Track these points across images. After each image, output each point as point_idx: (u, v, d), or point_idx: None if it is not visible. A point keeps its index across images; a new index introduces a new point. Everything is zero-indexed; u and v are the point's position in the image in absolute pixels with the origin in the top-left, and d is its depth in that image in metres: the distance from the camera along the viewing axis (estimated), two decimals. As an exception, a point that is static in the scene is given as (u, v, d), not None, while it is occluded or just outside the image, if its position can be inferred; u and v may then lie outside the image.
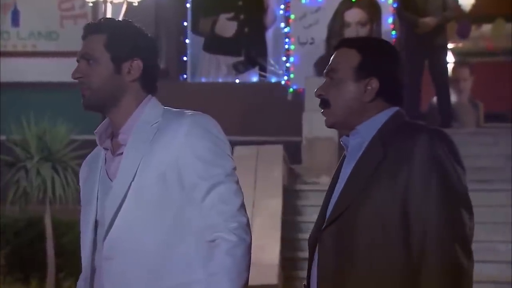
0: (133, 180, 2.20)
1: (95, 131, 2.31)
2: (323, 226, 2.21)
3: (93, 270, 2.26)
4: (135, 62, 2.26)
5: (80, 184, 2.37)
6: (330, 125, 2.27)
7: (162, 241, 2.19)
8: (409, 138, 2.15)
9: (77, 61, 2.29)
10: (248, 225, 2.23)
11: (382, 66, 2.24)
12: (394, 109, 2.25)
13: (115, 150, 2.28)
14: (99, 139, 2.30)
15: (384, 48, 2.31)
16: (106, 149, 2.31)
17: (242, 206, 2.23)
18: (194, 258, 2.19)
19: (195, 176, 2.18)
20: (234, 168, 2.25)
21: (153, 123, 2.24)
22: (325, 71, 2.29)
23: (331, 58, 2.28)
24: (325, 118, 2.27)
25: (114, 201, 2.21)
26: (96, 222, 2.26)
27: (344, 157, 2.29)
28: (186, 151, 2.19)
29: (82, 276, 2.29)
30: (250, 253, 2.23)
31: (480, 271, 5.83)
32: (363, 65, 2.23)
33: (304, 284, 2.29)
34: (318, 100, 2.29)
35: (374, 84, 2.22)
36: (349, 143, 2.26)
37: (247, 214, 2.25)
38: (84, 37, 2.30)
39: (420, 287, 2.08)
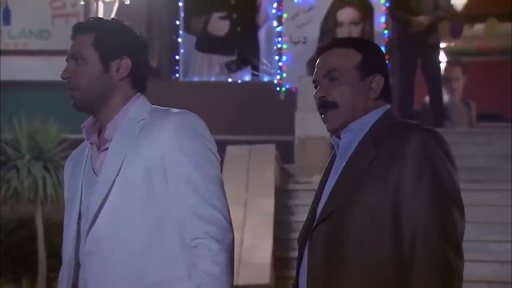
0: (117, 175, 2.19)
1: (82, 125, 2.30)
2: (314, 225, 2.20)
3: (77, 265, 2.24)
4: (123, 60, 2.25)
5: (65, 179, 2.36)
6: (335, 128, 2.23)
7: (146, 237, 2.17)
8: (401, 137, 2.14)
9: (66, 61, 2.28)
10: (228, 226, 2.20)
11: (382, 62, 2.26)
12: (386, 107, 2.25)
13: (101, 145, 2.28)
14: (86, 133, 2.30)
15: (377, 47, 2.33)
16: (92, 144, 2.30)
17: (225, 208, 2.21)
18: (178, 255, 2.18)
19: (179, 174, 2.17)
20: (219, 168, 2.24)
21: (140, 120, 2.24)
22: (322, 72, 2.23)
23: (325, 60, 2.24)
24: (328, 121, 2.22)
25: (99, 196, 2.20)
26: (79, 216, 2.25)
27: (335, 155, 2.28)
28: (172, 148, 2.18)
29: (64, 269, 2.27)
30: (233, 252, 2.22)
31: (473, 270, 5.88)
32: (365, 63, 2.22)
33: (292, 283, 2.28)
34: (311, 100, 2.26)
35: (379, 80, 2.22)
36: (341, 141, 2.25)
37: (229, 215, 2.22)
38: (72, 37, 2.30)
39: (411, 286, 2.07)
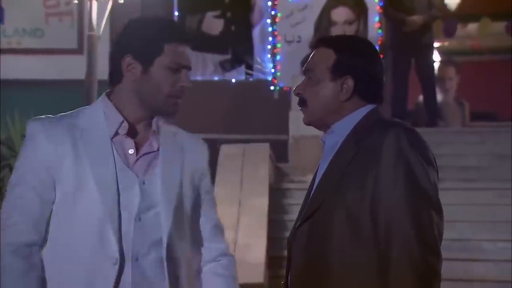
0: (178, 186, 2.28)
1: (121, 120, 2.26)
2: (297, 225, 2.22)
3: (121, 267, 2.17)
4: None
5: (54, 154, 2.20)
6: (307, 123, 2.31)
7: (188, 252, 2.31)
8: (378, 137, 2.15)
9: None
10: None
11: (356, 64, 2.24)
12: (370, 107, 2.26)
13: (139, 148, 2.26)
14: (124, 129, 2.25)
15: (360, 47, 2.31)
16: (116, 136, 2.24)
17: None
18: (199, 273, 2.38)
19: (205, 191, 2.37)
20: None
21: (175, 133, 2.33)
22: (303, 69, 2.32)
23: (309, 58, 2.31)
24: (303, 115, 2.30)
25: (157, 204, 2.22)
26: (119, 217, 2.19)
27: None
28: (203, 168, 2.36)
29: (86, 275, 2.16)
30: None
31: (466, 269, 5.89)
32: (338, 64, 2.24)
33: (283, 282, 2.29)
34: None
35: (350, 82, 2.23)
36: (325, 142, 2.28)
37: None
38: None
39: (389, 284, 2.07)
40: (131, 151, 2.24)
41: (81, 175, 2.17)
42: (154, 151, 2.26)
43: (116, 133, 2.23)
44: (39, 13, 9.34)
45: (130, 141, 2.24)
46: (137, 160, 2.24)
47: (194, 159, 2.32)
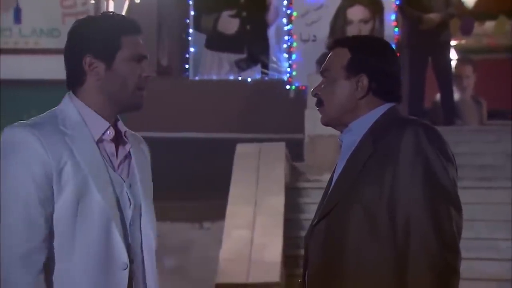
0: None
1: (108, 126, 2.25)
2: (314, 222, 2.22)
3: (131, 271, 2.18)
4: None
5: (53, 163, 2.12)
6: (324, 123, 2.32)
7: None
8: (396, 134, 2.15)
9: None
10: None
11: (371, 62, 2.26)
12: (388, 105, 2.26)
13: (118, 150, 2.26)
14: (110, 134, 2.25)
15: (375, 45, 2.32)
16: (101, 141, 2.23)
17: None
18: None
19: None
20: None
21: (133, 134, 2.33)
22: (320, 71, 2.34)
23: (327, 59, 2.33)
24: (320, 116, 2.31)
25: (139, 206, 2.24)
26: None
27: None
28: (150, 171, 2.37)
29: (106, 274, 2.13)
30: None
31: (481, 268, 5.87)
32: (352, 62, 2.26)
33: (300, 281, 2.29)
34: (320, 98, 2.31)
35: (364, 80, 2.25)
36: (343, 141, 2.28)
37: None
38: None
39: (407, 283, 2.07)
40: (114, 155, 2.22)
41: (83, 182, 2.12)
42: (128, 153, 2.25)
43: (101, 138, 2.20)
44: (56, 13, 9.39)
45: (112, 145, 2.22)
46: (120, 163, 2.23)
47: (149, 161, 2.35)
